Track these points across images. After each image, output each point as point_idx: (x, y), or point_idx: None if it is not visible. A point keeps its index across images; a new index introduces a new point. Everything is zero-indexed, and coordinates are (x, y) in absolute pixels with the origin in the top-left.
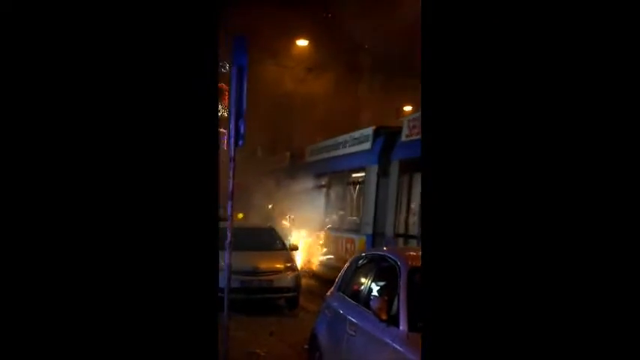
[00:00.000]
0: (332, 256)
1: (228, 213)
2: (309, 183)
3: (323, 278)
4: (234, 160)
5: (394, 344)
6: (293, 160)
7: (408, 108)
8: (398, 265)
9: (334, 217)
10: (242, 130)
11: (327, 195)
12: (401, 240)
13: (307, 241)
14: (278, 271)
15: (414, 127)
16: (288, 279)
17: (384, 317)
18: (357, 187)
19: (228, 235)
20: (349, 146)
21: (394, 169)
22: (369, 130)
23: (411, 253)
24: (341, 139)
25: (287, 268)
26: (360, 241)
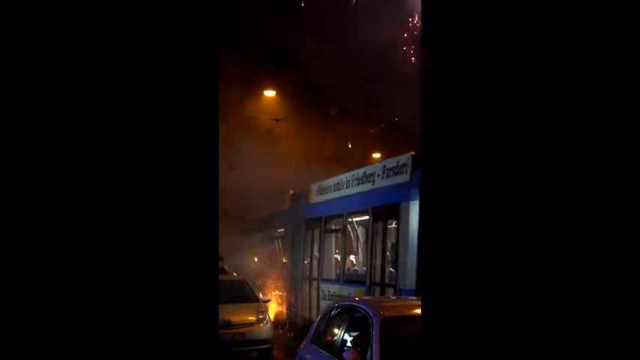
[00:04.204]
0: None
1: None
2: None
3: None
4: None
5: None
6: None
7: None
8: (370, 315)
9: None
10: None
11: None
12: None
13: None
14: (250, 324)
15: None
16: (261, 331)
17: None
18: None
19: None
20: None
21: None
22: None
23: (383, 303)
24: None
25: (259, 320)
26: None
